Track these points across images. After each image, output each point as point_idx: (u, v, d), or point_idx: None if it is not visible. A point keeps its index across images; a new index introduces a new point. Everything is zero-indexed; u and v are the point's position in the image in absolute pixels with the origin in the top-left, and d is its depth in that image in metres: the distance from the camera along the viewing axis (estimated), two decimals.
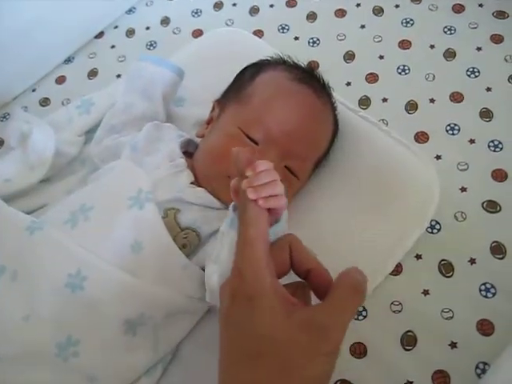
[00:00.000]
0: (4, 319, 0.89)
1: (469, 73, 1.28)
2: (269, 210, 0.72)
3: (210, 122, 1.12)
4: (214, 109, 1.13)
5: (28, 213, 1.00)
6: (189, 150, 1.11)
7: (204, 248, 0.99)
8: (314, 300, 0.73)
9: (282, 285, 0.69)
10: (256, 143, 1.00)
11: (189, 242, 0.97)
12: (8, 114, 1.35)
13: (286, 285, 0.71)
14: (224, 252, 0.84)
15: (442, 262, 1.07)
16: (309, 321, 0.63)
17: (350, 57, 1.35)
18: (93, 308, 0.89)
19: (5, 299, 0.90)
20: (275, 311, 0.63)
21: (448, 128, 1.21)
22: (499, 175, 1.14)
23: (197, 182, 1.03)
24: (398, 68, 1.31)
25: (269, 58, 1.14)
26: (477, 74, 1.27)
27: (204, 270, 0.94)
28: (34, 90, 1.40)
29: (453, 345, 0.99)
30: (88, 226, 0.94)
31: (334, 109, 1.11)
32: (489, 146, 1.18)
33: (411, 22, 1.37)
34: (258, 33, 1.42)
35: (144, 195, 0.95)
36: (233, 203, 0.83)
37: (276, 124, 1.00)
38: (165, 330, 0.95)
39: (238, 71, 1.14)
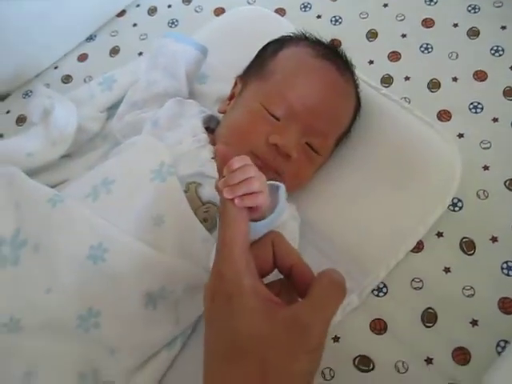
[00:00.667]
0: (27, 291, 0.90)
1: (493, 51, 1.27)
2: (249, 207, 0.71)
3: (231, 97, 1.12)
4: (236, 85, 1.13)
5: (49, 187, 1.00)
6: (210, 126, 1.11)
7: None
8: None
9: (267, 283, 0.69)
10: (277, 119, 1.00)
11: (210, 216, 0.97)
12: (30, 91, 1.36)
13: (270, 283, 0.71)
14: None
15: (464, 240, 1.06)
16: (289, 319, 0.62)
17: (372, 35, 1.34)
18: (114, 280, 0.89)
19: (27, 271, 0.91)
20: (254, 311, 0.63)
21: (471, 106, 1.20)
22: None
23: None
24: (421, 46, 1.30)
25: (291, 35, 1.14)
26: (501, 52, 1.26)
27: None
28: (56, 68, 1.41)
29: (474, 322, 0.99)
30: (110, 199, 0.94)
31: (356, 86, 1.11)
32: None
33: (434, 0, 1.36)
34: (280, 11, 1.42)
35: (166, 169, 0.95)
36: None
37: (298, 100, 1.00)
38: (185, 304, 0.95)
39: (260, 49, 1.14)
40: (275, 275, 0.72)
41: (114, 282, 0.89)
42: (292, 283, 0.70)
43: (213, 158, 1.01)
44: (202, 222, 0.95)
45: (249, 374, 0.61)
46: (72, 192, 0.98)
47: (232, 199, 0.69)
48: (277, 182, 0.84)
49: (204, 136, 1.04)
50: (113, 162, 1.02)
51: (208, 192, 0.97)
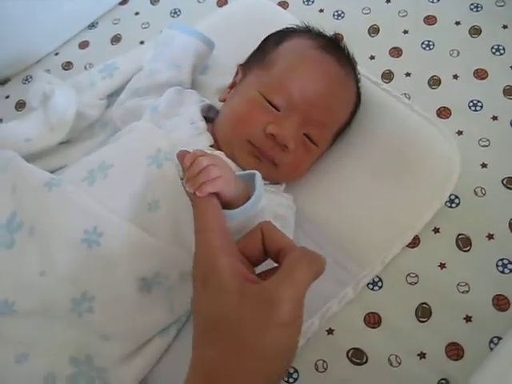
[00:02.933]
0: (21, 274, 0.90)
1: (494, 50, 1.27)
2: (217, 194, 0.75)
3: (232, 86, 1.12)
4: (237, 73, 1.14)
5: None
6: (209, 116, 1.11)
7: None
8: None
9: (260, 273, 0.71)
10: (277, 109, 1.01)
11: None
12: (30, 77, 1.36)
13: (263, 272, 0.73)
14: None
15: (460, 236, 1.06)
16: (259, 294, 0.64)
17: (374, 31, 1.34)
18: (108, 264, 0.89)
19: (22, 254, 0.91)
20: (227, 289, 0.64)
21: (471, 104, 1.20)
22: None
23: (216, 146, 1.03)
24: (423, 43, 1.30)
25: (294, 26, 1.14)
26: (502, 51, 1.26)
27: None
28: (56, 54, 1.41)
29: (468, 318, 0.99)
30: (106, 183, 0.94)
31: (357, 80, 1.11)
32: (511, 124, 1.17)
33: None
34: (283, 4, 1.42)
35: (163, 155, 0.95)
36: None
37: (298, 90, 1.00)
38: (179, 291, 0.95)
39: (262, 39, 1.14)
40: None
41: (108, 267, 0.89)
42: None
43: (211, 146, 1.02)
44: None
45: (225, 354, 0.62)
46: (69, 176, 0.98)
47: (195, 192, 0.73)
48: (252, 171, 0.86)
49: (202, 124, 1.04)
50: (110, 147, 1.02)
51: None
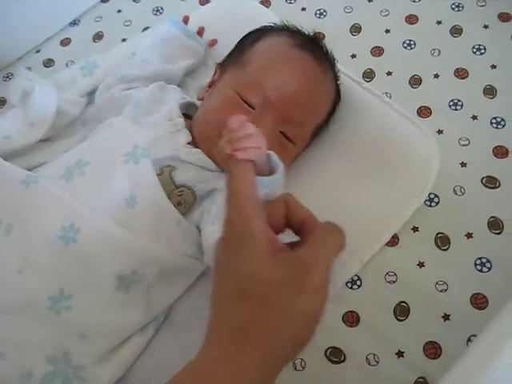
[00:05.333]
0: (0, 273, 0.89)
1: (474, 50, 1.27)
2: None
3: (211, 85, 1.12)
4: (215, 72, 1.13)
5: (27, 170, 1.00)
6: (189, 113, 1.10)
7: (199, 208, 0.99)
8: None
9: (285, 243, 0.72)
10: (252, 107, 1.00)
11: (184, 199, 0.97)
12: (11, 74, 1.36)
13: (288, 243, 0.73)
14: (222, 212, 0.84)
15: (439, 235, 1.07)
16: (292, 260, 0.65)
17: (356, 29, 1.34)
18: (85, 261, 0.89)
19: (0, 253, 0.90)
20: (261, 255, 0.65)
21: (451, 103, 1.21)
22: (500, 152, 1.14)
23: (194, 143, 1.03)
24: (404, 42, 1.30)
25: (272, 25, 1.14)
26: (482, 51, 1.27)
27: (199, 230, 0.95)
28: (38, 51, 1.40)
29: (446, 317, 1.00)
30: (83, 180, 0.94)
31: (335, 77, 1.11)
32: (491, 123, 1.17)
33: None
34: (265, 2, 1.42)
35: (140, 151, 0.96)
36: None
37: (273, 88, 1.00)
38: (158, 289, 0.95)
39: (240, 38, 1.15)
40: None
41: (85, 264, 0.89)
42: (302, 239, 0.73)
43: (188, 144, 1.01)
44: (176, 206, 0.95)
45: (257, 312, 0.63)
46: (46, 173, 0.98)
47: (233, 154, 0.71)
48: (268, 151, 0.85)
49: (180, 120, 1.04)
50: (88, 144, 1.02)
51: (182, 175, 0.97)
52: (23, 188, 0.92)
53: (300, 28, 1.11)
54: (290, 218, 0.73)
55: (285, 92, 1.00)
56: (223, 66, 1.12)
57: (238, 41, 1.14)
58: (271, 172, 0.83)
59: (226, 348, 0.63)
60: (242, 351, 0.62)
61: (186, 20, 1.25)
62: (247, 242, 0.66)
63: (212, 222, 0.92)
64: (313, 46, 1.07)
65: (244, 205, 0.68)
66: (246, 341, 0.62)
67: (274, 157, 0.84)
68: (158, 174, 0.95)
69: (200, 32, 1.24)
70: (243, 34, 1.14)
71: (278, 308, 0.63)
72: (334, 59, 1.11)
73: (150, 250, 0.92)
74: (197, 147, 1.02)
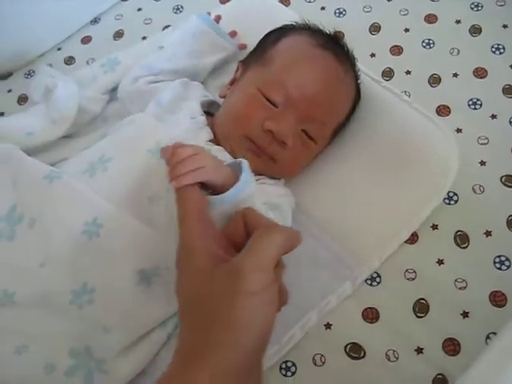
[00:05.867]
0: (21, 265, 0.90)
1: (493, 49, 1.27)
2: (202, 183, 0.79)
3: (233, 82, 1.13)
4: (237, 69, 1.15)
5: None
6: (211, 111, 1.12)
7: None
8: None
9: None
10: (275, 105, 1.01)
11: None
12: (33, 71, 1.37)
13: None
14: None
15: (458, 233, 1.07)
16: (226, 267, 0.66)
17: (375, 29, 1.35)
18: (107, 256, 0.90)
19: (22, 246, 0.91)
20: (200, 268, 0.68)
21: (470, 103, 1.21)
22: None
23: (216, 141, 1.04)
24: (423, 42, 1.31)
25: (294, 24, 1.14)
26: (501, 50, 1.27)
27: None
28: (59, 49, 1.42)
29: (465, 314, 1.00)
30: (106, 175, 0.95)
31: (356, 77, 1.12)
32: (510, 122, 1.18)
33: None
34: (285, 1, 1.43)
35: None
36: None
37: (295, 87, 1.01)
38: None
39: (263, 36, 1.15)
40: None
41: (108, 258, 0.90)
42: None
43: (210, 141, 1.03)
44: None
45: (196, 329, 0.65)
46: (69, 168, 0.99)
47: (171, 184, 0.77)
48: (239, 159, 0.88)
49: (202, 118, 1.05)
50: (110, 140, 1.03)
51: None
52: (47, 183, 0.93)
53: (321, 27, 1.12)
54: (250, 231, 0.74)
55: (307, 91, 1.01)
56: (245, 63, 1.12)
57: (260, 39, 1.15)
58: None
59: (176, 368, 0.65)
60: (190, 370, 0.63)
61: (217, 20, 1.26)
62: (190, 260, 0.69)
63: None
64: (334, 45, 1.08)
65: (187, 227, 0.73)
66: (194, 359, 0.63)
67: (245, 165, 0.87)
68: None
69: (232, 35, 1.25)
70: (263, 33, 1.15)
71: (218, 320, 0.64)
72: (355, 58, 1.12)
73: (172, 245, 0.92)
74: (218, 144, 1.03)
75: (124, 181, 0.95)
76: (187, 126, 1.03)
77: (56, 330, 0.90)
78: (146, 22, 1.44)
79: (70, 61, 1.39)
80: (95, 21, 1.46)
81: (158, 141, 0.97)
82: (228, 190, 0.82)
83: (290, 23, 1.15)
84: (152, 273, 0.92)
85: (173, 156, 0.79)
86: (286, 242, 0.69)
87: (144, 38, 1.39)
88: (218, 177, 0.83)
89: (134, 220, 0.91)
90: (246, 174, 0.85)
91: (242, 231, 0.75)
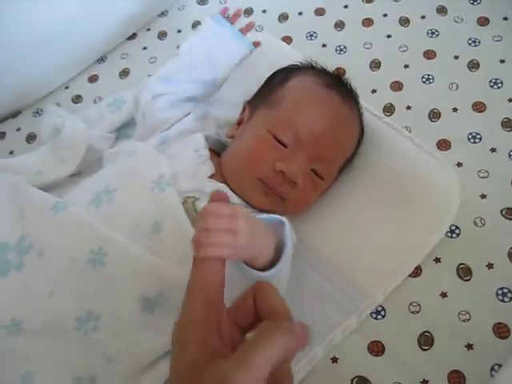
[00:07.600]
0: (32, 295, 0.92)
1: (491, 84, 1.30)
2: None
3: (240, 123, 1.15)
4: (244, 110, 1.16)
5: None
6: (212, 148, 1.13)
7: None
8: None
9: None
10: (285, 146, 1.04)
11: None
12: (41, 110, 1.40)
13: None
14: None
15: (461, 266, 1.08)
16: (216, 375, 0.58)
17: (375, 65, 1.38)
18: (112, 283, 0.91)
19: (31, 276, 0.93)
20: (194, 362, 0.61)
21: (470, 136, 1.23)
22: None
23: (217, 176, 1.06)
24: (423, 77, 1.33)
25: (298, 63, 1.17)
26: (499, 85, 1.29)
27: None
28: (66, 88, 1.44)
29: (469, 346, 1.01)
30: (111, 206, 0.97)
31: (360, 114, 1.14)
32: (509, 155, 1.19)
33: (436, 32, 1.39)
34: (287, 39, 1.45)
35: (165, 180, 0.98)
36: None
37: (305, 128, 1.03)
38: None
39: (267, 75, 1.18)
40: None
41: (112, 286, 0.91)
42: None
43: (211, 177, 1.05)
44: None
45: None
46: (75, 199, 1.01)
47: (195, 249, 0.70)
48: (278, 217, 0.92)
49: (205, 152, 1.07)
50: (113, 170, 1.05)
51: None
52: (53, 214, 0.94)
53: (325, 66, 1.15)
54: (258, 309, 0.67)
55: (316, 131, 1.04)
56: (253, 104, 1.14)
57: (266, 79, 1.17)
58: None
59: None
60: None
61: (224, 12, 1.24)
62: (184, 350, 0.62)
63: None
64: (339, 84, 1.11)
65: (191, 305, 0.66)
66: None
67: (286, 229, 0.91)
68: (182, 203, 0.97)
69: (248, 28, 1.25)
70: (266, 70, 1.18)
71: None
72: (358, 96, 1.15)
73: (175, 274, 0.93)
74: (218, 179, 1.05)
75: (128, 211, 0.97)
76: (191, 159, 1.05)
77: (61, 358, 0.92)
78: (151, 60, 1.47)
79: (77, 99, 1.42)
80: (102, 59, 1.49)
81: (161, 173, 0.99)
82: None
83: (295, 63, 1.18)
84: (155, 300, 0.93)
85: (207, 217, 0.73)
86: (288, 346, 0.59)
87: (149, 75, 1.40)
88: (247, 254, 0.82)
89: (137, 248, 0.93)
90: (286, 258, 0.88)
91: (251, 310, 0.67)
